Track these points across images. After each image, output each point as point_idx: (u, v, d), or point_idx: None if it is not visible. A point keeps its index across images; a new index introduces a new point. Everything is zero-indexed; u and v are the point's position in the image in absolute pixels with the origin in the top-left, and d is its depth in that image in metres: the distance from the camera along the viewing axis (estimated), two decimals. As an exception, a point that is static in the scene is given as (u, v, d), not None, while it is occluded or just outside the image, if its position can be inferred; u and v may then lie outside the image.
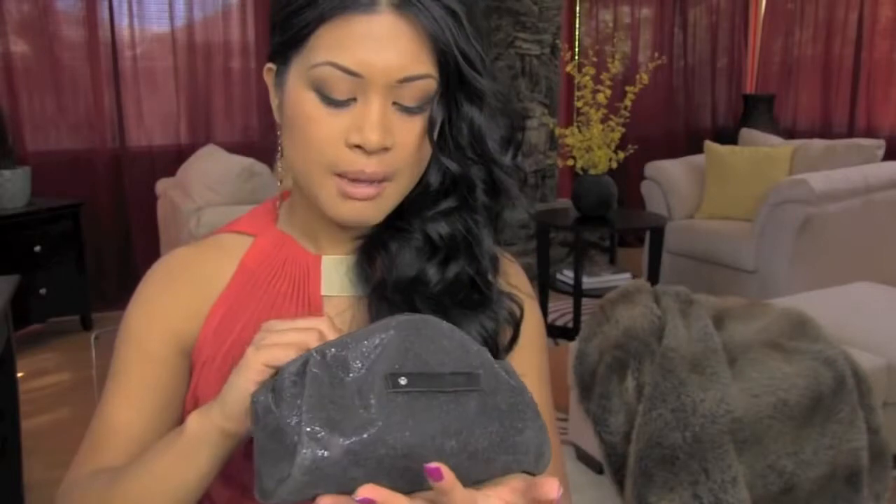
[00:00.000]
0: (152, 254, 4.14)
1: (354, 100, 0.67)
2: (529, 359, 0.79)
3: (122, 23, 4.17)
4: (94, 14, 4.05)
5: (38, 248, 3.67)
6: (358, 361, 0.56)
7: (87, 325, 3.95)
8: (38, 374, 3.44)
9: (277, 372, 0.57)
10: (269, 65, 0.74)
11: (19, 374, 2.51)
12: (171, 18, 4.27)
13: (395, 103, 0.68)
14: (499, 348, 0.74)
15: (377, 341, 0.57)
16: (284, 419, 0.54)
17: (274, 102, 0.75)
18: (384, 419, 0.53)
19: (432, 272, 0.73)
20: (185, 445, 0.63)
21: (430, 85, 0.68)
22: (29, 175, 3.73)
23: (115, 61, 4.16)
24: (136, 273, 4.18)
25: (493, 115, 0.72)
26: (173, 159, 4.24)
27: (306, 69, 0.68)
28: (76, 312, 3.95)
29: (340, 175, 0.69)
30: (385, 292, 0.73)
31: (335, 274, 0.77)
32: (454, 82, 0.69)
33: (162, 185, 4.10)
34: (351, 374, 0.55)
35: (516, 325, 0.77)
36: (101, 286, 4.19)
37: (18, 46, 3.97)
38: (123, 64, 4.20)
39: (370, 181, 0.69)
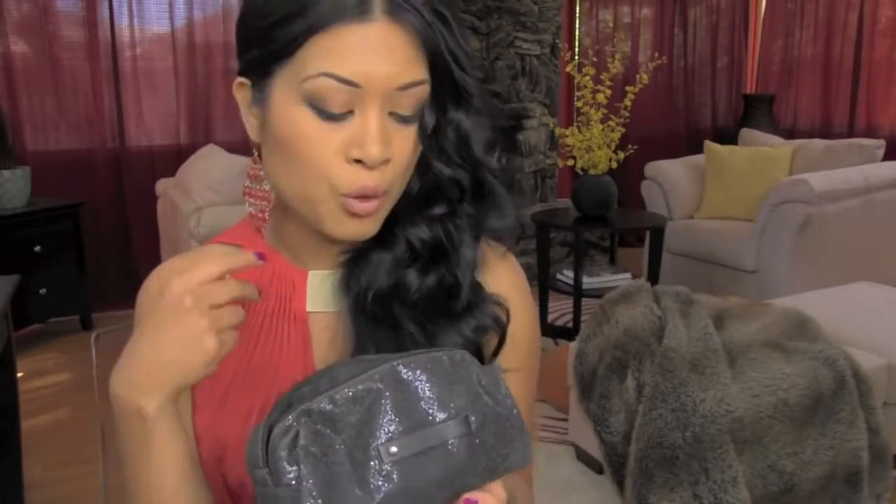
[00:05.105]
0: (152, 254, 4.14)
1: (351, 112, 0.65)
2: (513, 357, 0.77)
3: (122, 23, 4.17)
4: (94, 14, 4.05)
5: (38, 248, 3.67)
6: (345, 420, 0.56)
7: (87, 325, 3.95)
8: (38, 374, 3.44)
9: (269, 439, 0.56)
10: (241, 79, 0.70)
11: (19, 374, 2.51)
12: (171, 18, 4.27)
13: (391, 113, 0.66)
14: (483, 357, 0.73)
15: (363, 395, 0.57)
16: (282, 497, 0.55)
17: (250, 122, 0.71)
18: (381, 497, 0.54)
19: (412, 278, 0.72)
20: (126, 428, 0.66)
21: (425, 91, 0.67)
22: (29, 175, 3.73)
23: (115, 61, 4.16)
24: (136, 273, 4.19)
25: (478, 118, 0.71)
26: (173, 159, 4.24)
27: (298, 83, 0.64)
28: (76, 312, 3.95)
29: (345, 195, 0.66)
30: (365, 305, 0.71)
31: (321, 289, 0.76)
32: (443, 86, 0.68)
33: (162, 185, 4.10)
34: (340, 439, 0.55)
35: (502, 330, 0.75)
36: (101, 286, 4.19)
37: (18, 46, 3.97)
38: (123, 64, 4.20)
39: (373, 196, 0.67)
